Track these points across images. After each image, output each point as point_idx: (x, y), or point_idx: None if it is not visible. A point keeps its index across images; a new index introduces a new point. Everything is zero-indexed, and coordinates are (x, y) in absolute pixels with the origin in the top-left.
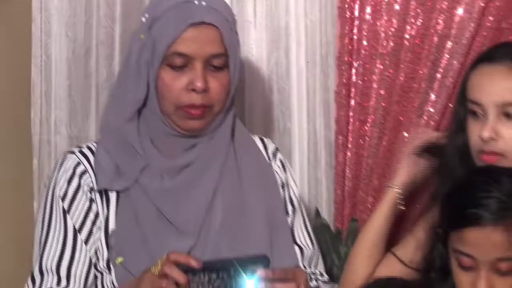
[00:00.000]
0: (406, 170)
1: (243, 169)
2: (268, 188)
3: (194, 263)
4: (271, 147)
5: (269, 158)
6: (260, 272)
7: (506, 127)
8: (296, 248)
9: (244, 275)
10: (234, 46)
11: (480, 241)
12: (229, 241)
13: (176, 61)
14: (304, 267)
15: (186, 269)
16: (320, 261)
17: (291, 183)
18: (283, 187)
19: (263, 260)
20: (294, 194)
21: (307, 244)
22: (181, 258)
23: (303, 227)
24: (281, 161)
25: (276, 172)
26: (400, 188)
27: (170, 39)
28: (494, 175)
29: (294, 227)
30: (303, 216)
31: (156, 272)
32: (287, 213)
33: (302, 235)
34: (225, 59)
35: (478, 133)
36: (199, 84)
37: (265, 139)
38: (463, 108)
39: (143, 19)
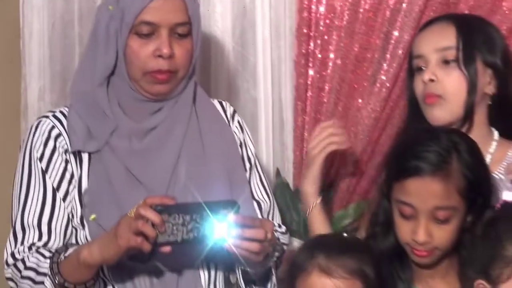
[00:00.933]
0: (316, 176)
1: (204, 130)
2: (227, 147)
3: (168, 201)
4: (229, 110)
5: (228, 120)
6: (230, 216)
7: (444, 72)
8: (254, 202)
9: (215, 218)
10: (197, 15)
11: (420, 190)
12: (193, 197)
13: (143, 29)
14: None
15: (161, 211)
16: (277, 214)
17: (249, 142)
18: (241, 146)
19: (233, 205)
20: (252, 152)
21: (264, 198)
22: (155, 199)
23: (259, 183)
24: (239, 123)
25: (235, 132)
26: (318, 195)
27: (138, 9)
28: (433, 133)
29: (251, 183)
30: (259, 173)
31: (131, 214)
32: (245, 170)
33: (259, 190)
34: (188, 27)
35: (421, 80)
36: (165, 50)
37: (223, 103)
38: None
39: None
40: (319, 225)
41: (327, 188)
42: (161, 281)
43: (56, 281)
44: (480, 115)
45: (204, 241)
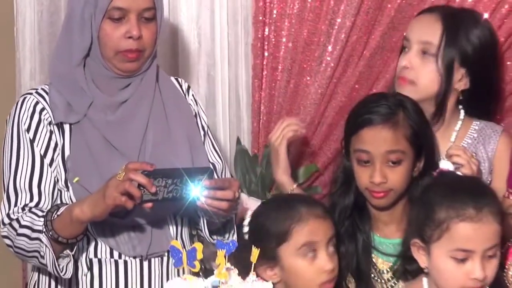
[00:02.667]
0: (284, 164)
1: (166, 103)
2: (186, 117)
3: (146, 166)
4: (184, 85)
5: (184, 94)
6: (205, 180)
7: (421, 62)
8: (210, 164)
9: (192, 182)
10: (160, 1)
11: (373, 137)
12: (160, 160)
13: (115, 14)
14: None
15: (147, 175)
16: (228, 173)
17: (202, 113)
18: (196, 116)
19: (208, 171)
20: (205, 122)
21: (217, 160)
22: (137, 165)
23: (212, 148)
24: (193, 96)
25: (190, 104)
26: (293, 183)
27: None
28: (383, 94)
29: (206, 148)
30: (211, 139)
31: (120, 178)
32: (202, 134)
33: (213, 154)
34: (154, 12)
35: (399, 64)
36: (134, 32)
37: (179, 79)
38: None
39: None
40: None
41: None
42: (137, 234)
43: (50, 236)
44: (450, 103)
45: (181, 200)
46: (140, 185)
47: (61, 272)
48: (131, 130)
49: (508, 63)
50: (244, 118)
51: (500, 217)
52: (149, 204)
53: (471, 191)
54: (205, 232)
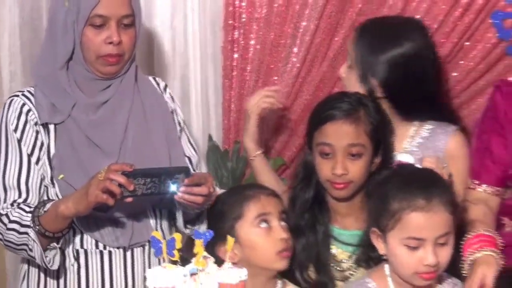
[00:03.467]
0: (253, 130)
1: (145, 102)
2: (163, 114)
3: (126, 167)
4: (162, 84)
5: (161, 92)
6: (182, 178)
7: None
8: (186, 158)
9: (170, 180)
10: (138, 8)
11: (336, 131)
12: (140, 156)
13: (97, 21)
14: (194, 170)
15: (127, 175)
16: (203, 166)
17: (178, 110)
18: (172, 113)
19: (185, 170)
20: (181, 118)
21: (193, 154)
22: (117, 167)
23: (188, 142)
24: (170, 94)
25: (167, 102)
26: (258, 148)
27: (93, 4)
28: (344, 92)
29: (182, 143)
30: (187, 134)
31: (101, 177)
32: (179, 130)
33: (189, 148)
34: (132, 18)
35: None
36: (115, 38)
37: (156, 79)
38: None
39: None
40: (261, 172)
41: None
42: (119, 226)
43: (37, 230)
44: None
45: (159, 195)
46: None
47: (49, 264)
48: (112, 128)
49: (461, 62)
50: (216, 116)
51: (451, 207)
52: (129, 199)
53: (422, 183)
54: (180, 222)
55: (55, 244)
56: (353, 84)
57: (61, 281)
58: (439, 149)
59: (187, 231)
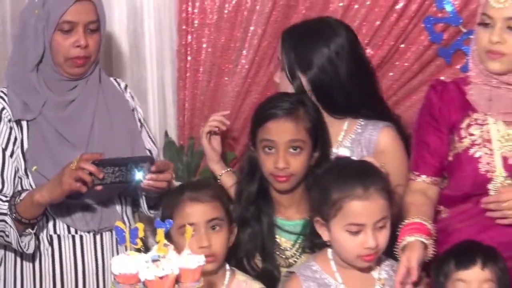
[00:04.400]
0: (211, 154)
1: (108, 100)
2: (125, 112)
3: (97, 156)
4: (122, 84)
5: (122, 91)
6: (147, 166)
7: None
8: (147, 151)
9: (136, 168)
10: (103, 15)
11: (278, 128)
12: (106, 149)
13: (65, 27)
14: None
15: (97, 164)
16: (161, 157)
17: (138, 108)
18: (133, 110)
19: (150, 159)
20: (141, 115)
21: (153, 147)
22: (88, 156)
23: (148, 137)
24: (130, 93)
25: (128, 100)
26: (222, 169)
27: (62, 11)
28: (286, 93)
29: (143, 137)
30: (146, 130)
31: (73, 167)
32: (140, 126)
33: (149, 142)
34: (97, 24)
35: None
36: (82, 42)
37: (117, 79)
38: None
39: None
40: (229, 188)
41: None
42: (89, 212)
43: (14, 217)
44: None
45: (127, 183)
46: (91, 172)
47: (24, 248)
48: (80, 124)
49: (397, 63)
50: (171, 114)
51: (386, 194)
52: (99, 187)
53: (359, 173)
54: (144, 208)
55: (30, 230)
56: (286, 87)
57: (36, 264)
58: (371, 143)
59: (151, 215)
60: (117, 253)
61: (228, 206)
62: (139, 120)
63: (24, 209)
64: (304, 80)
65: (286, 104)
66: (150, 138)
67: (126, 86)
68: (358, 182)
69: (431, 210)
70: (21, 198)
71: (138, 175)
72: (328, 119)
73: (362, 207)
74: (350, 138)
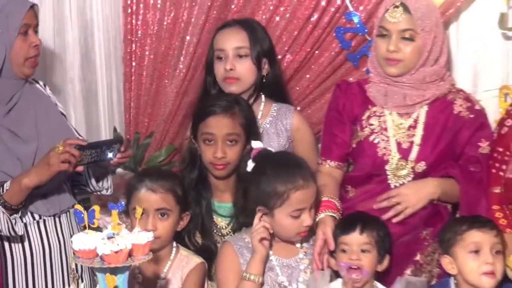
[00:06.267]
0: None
1: (39, 99)
2: (52, 108)
3: (80, 141)
4: (41, 82)
5: (43, 89)
6: (117, 147)
7: (239, 64)
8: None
9: (108, 149)
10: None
11: (217, 123)
12: (54, 140)
13: (23, 30)
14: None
15: (78, 148)
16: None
17: (57, 102)
18: (56, 105)
19: (119, 140)
20: (61, 108)
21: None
22: (72, 141)
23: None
24: (49, 90)
25: (50, 97)
26: None
27: (22, 16)
28: (223, 93)
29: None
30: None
31: (59, 151)
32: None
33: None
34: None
35: (223, 68)
36: (38, 42)
37: (35, 79)
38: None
39: None
40: None
41: (146, 137)
42: (48, 199)
43: (3, 205)
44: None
45: (102, 161)
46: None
47: (18, 231)
48: (27, 123)
49: (313, 66)
50: (119, 112)
51: (315, 178)
52: (80, 168)
53: (296, 167)
54: (93, 183)
55: (15, 215)
56: (246, 72)
57: (8, 253)
58: (287, 124)
59: (99, 188)
60: (73, 232)
61: (181, 198)
62: (62, 113)
63: (12, 195)
64: (264, 61)
65: (223, 102)
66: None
67: (45, 84)
68: (298, 175)
69: (337, 189)
70: (6, 188)
71: (110, 154)
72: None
73: (304, 195)
74: (268, 120)
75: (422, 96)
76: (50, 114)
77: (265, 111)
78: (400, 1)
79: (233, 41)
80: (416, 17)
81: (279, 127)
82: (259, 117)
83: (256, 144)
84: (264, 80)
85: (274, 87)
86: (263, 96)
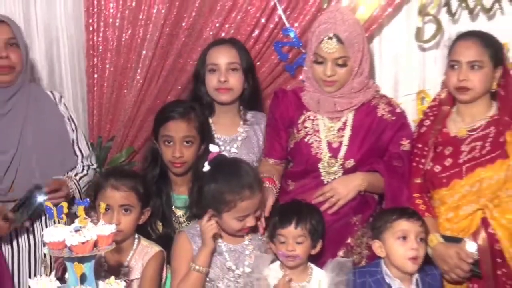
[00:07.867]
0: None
1: (41, 110)
2: (58, 119)
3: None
4: (57, 96)
5: (56, 102)
6: (41, 192)
7: (231, 76)
8: (78, 150)
9: (35, 198)
10: (19, 34)
11: (175, 127)
12: (35, 154)
13: None
14: (86, 159)
15: (12, 211)
16: (93, 157)
17: (72, 115)
18: (68, 119)
19: (36, 187)
20: (75, 121)
21: (85, 148)
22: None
23: (82, 139)
24: (64, 104)
25: (62, 110)
26: None
27: None
28: (181, 101)
29: (78, 140)
30: (81, 132)
31: None
32: (73, 131)
33: (82, 144)
34: (15, 40)
35: (217, 80)
36: (4, 54)
37: (53, 92)
38: (202, 69)
39: None
40: None
41: (108, 140)
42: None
43: None
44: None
45: (35, 210)
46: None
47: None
48: (9, 133)
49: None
50: (83, 119)
51: (261, 187)
52: (27, 223)
53: (245, 177)
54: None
55: None
56: (238, 85)
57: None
58: (262, 128)
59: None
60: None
61: (143, 195)
62: (75, 124)
63: None
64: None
65: (180, 109)
66: (85, 140)
67: (60, 97)
68: (246, 186)
69: (277, 174)
70: None
71: (40, 199)
72: (228, 114)
73: (250, 204)
74: (247, 126)
75: (350, 103)
76: (49, 127)
77: (242, 117)
78: (333, 33)
79: (226, 57)
80: (348, 45)
81: (257, 131)
82: (241, 122)
83: (213, 148)
84: (246, 91)
85: (253, 96)
86: (241, 106)
